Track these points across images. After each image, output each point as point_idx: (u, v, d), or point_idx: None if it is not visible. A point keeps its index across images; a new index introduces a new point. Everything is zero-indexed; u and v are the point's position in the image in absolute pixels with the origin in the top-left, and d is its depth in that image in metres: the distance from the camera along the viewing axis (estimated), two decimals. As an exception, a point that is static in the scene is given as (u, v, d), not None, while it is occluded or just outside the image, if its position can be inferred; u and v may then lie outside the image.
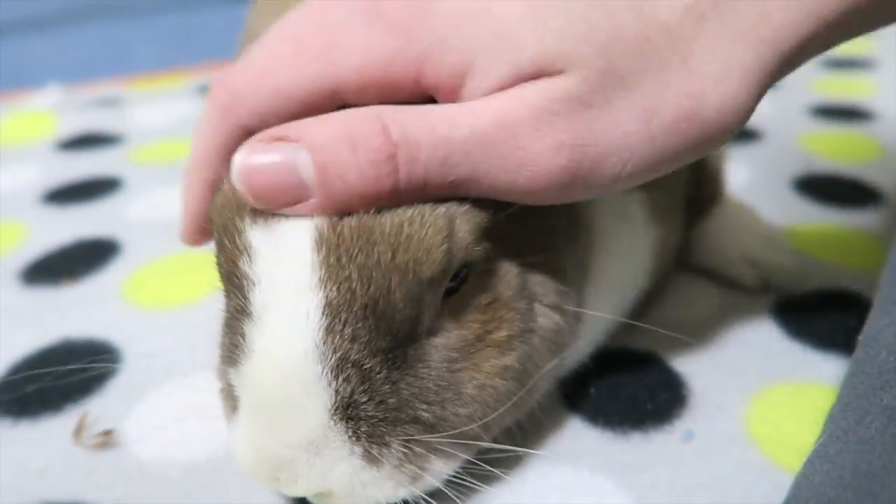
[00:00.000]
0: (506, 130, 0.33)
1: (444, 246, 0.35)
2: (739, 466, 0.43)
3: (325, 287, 0.34)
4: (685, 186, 0.58)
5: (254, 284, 0.36)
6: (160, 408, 0.51)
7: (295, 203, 0.34)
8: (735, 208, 0.68)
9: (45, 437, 0.48)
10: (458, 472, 0.39)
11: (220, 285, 0.41)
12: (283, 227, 0.35)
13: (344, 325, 0.34)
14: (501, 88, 0.34)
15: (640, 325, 0.51)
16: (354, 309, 0.34)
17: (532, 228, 0.41)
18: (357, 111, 0.34)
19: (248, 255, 0.36)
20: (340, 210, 0.34)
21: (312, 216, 0.35)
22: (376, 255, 0.34)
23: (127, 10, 2.11)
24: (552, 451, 0.45)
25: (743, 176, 0.81)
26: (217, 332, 0.42)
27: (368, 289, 0.34)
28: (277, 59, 0.36)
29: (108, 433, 0.48)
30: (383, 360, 0.35)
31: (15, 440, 0.48)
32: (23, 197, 0.88)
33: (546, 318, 0.41)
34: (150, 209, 0.83)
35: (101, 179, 0.92)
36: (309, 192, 0.33)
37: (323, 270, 0.34)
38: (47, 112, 1.19)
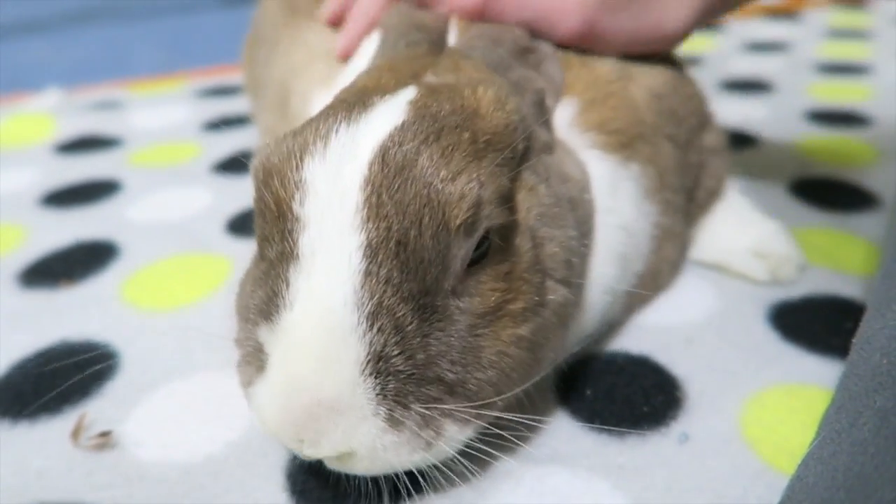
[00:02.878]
0: None
1: (474, 197, 0.37)
2: (734, 468, 0.44)
3: (367, 226, 0.36)
4: (683, 179, 0.60)
5: (304, 227, 0.37)
6: (158, 409, 0.51)
7: None
8: (738, 203, 0.68)
9: (44, 439, 0.48)
10: (469, 441, 0.40)
11: (257, 235, 0.41)
12: (338, 162, 0.37)
13: (380, 266, 0.36)
14: None
15: (636, 326, 0.52)
16: (389, 246, 0.36)
17: (542, 200, 0.43)
18: None
19: (303, 193, 0.37)
20: None
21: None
22: (413, 191, 0.36)
23: (126, 13, 2.11)
24: (548, 453, 0.45)
25: (740, 180, 0.82)
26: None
27: (402, 222, 0.36)
28: None
29: (106, 434, 0.48)
30: (414, 309, 0.37)
31: (14, 441, 0.48)
32: (22, 199, 0.88)
33: (556, 293, 0.43)
34: (149, 212, 0.83)
35: (99, 182, 0.92)
36: None
37: (366, 210, 0.36)
38: (46, 115, 1.19)
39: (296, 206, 0.38)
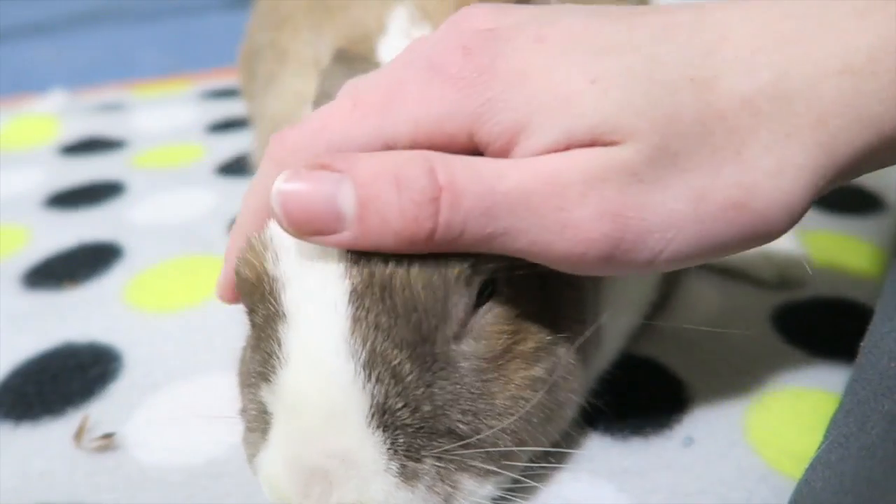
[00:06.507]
0: (552, 190, 0.33)
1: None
2: (739, 472, 0.43)
3: (351, 273, 0.35)
4: None
5: (284, 285, 0.36)
6: (161, 411, 0.51)
7: (328, 234, 0.34)
8: None
9: (46, 441, 0.48)
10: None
11: (246, 309, 0.41)
12: None
13: (367, 311, 0.35)
14: (553, 151, 0.33)
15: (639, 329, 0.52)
16: (375, 290, 0.35)
17: None
18: (406, 152, 0.34)
19: (273, 253, 0.37)
20: (371, 248, 0.34)
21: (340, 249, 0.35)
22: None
23: (130, 15, 2.12)
24: (550, 456, 0.45)
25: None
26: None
27: (386, 268, 0.35)
28: (334, 115, 0.37)
29: (108, 437, 0.48)
30: (411, 357, 0.35)
31: (16, 443, 0.48)
32: (26, 201, 0.88)
33: (569, 329, 0.41)
34: (153, 213, 0.83)
35: (103, 184, 0.92)
36: (344, 224, 0.33)
37: (348, 259, 0.35)
38: (51, 116, 1.20)
39: (270, 267, 0.37)
